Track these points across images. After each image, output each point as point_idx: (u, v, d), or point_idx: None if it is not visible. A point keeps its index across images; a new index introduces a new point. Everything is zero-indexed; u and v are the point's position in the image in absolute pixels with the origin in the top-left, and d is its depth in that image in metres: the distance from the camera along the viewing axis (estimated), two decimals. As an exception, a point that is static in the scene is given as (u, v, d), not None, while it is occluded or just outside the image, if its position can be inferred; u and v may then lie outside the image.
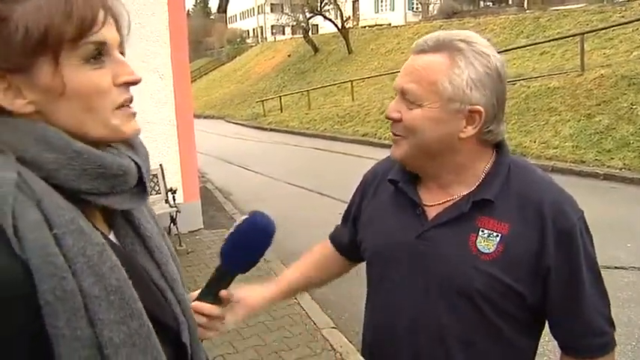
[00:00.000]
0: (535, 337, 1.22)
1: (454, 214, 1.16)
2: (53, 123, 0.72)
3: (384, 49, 24.85)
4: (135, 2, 5.76)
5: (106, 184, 0.74)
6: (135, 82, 0.76)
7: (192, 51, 52.83)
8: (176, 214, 5.88)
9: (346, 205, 1.49)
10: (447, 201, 1.19)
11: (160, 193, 6.04)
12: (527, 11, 22.38)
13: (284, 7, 34.79)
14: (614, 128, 9.53)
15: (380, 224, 1.30)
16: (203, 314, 0.97)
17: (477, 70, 1.09)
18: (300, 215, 6.89)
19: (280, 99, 23.04)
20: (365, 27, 31.57)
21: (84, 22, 0.69)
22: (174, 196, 5.98)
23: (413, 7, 38.43)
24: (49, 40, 0.67)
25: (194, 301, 1.00)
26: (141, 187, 0.80)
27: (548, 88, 11.83)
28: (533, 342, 1.22)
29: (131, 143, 0.81)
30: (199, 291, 1.02)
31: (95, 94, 0.72)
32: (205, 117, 26.28)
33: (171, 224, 5.98)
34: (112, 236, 0.82)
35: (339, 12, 27.69)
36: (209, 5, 77.59)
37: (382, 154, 1.42)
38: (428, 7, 32.93)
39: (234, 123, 23.40)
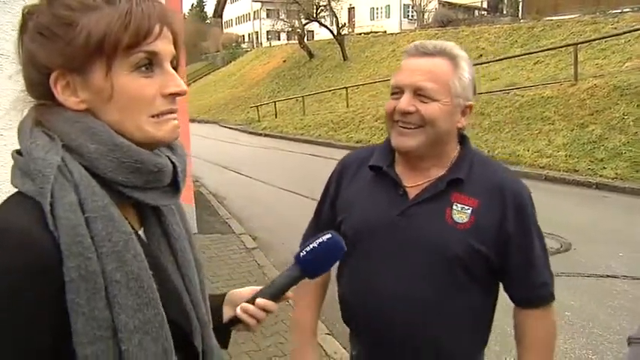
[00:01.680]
0: (493, 296, 1.46)
1: (432, 192, 1.36)
2: (104, 118, 0.78)
3: (379, 56, 24.97)
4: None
5: (141, 179, 0.78)
6: (181, 94, 0.80)
7: (187, 55, 52.88)
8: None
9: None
10: (426, 182, 1.39)
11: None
12: (522, 21, 22.55)
13: (280, 13, 34.89)
14: (606, 138, 9.63)
15: (363, 205, 1.45)
16: (266, 310, 1.02)
17: (472, 73, 1.37)
18: (294, 220, 6.88)
19: (275, 104, 23.08)
20: (360, 34, 31.72)
21: (139, 32, 0.75)
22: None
23: (409, 15, 38.66)
24: (106, 45, 0.74)
25: (256, 297, 1.03)
26: (174, 186, 0.84)
27: (542, 97, 11.93)
28: (492, 301, 1.46)
29: (171, 145, 0.85)
30: (260, 289, 1.05)
31: (138, 100, 0.77)
32: (199, 121, 26.26)
33: (165, 228, 5.98)
34: (141, 232, 0.85)
35: (334, 19, 27.81)
36: (205, 10, 77.83)
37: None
38: (423, 15, 33.16)
39: (228, 128, 23.40)
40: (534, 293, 1.41)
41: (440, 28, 25.11)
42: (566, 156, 9.63)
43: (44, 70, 0.75)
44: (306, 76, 28.36)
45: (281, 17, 33.49)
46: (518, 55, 15.77)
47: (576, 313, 4.14)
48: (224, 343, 1.07)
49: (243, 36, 55.67)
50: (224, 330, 1.04)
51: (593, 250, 5.49)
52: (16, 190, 0.75)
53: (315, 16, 28.98)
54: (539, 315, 1.42)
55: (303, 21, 30.19)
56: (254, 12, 55.35)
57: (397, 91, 1.35)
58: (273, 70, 32.15)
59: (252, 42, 52.93)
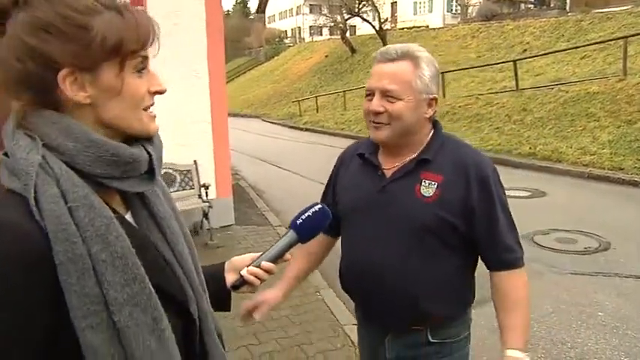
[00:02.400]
0: (469, 261, 1.67)
1: (404, 171, 1.61)
2: (102, 115, 0.87)
3: (421, 51, 24.73)
4: (173, 3, 5.97)
5: (118, 170, 0.87)
6: (162, 92, 0.92)
7: (230, 50, 53.53)
8: (208, 210, 6.06)
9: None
10: (400, 164, 1.63)
11: (193, 189, 6.24)
12: (569, 14, 21.87)
13: (322, 8, 34.87)
14: (655, 136, 9.29)
15: (351, 186, 1.74)
16: (267, 271, 1.16)
17: (432, 70, 1.58)
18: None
19: (316, 99, 23.16)
20: (403, 29, 31.39)
21: (145, 40, 0.88)
22: (207, 192, 6.16)
23: (452, 10, 37.98)
24: (121, 49, 0.85)
25: (258, 260, 1.17)
26: (151, 174, 0.93)
27: (588, 93, 11.60)
28: (469, 265, 1.67)
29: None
30: (261, 254, 1.18)
31: (138, 97, 0.89)
32: (242, 115, 26.65)
33: (204, 219, 6.16)
34: (128, 216, 0.95)
35: (376, 13, 27.63)
36: (248, 5, 78.53)
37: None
38: (467, 9, 32.49)
39: (270, 122, 23.63)
40: (500, 257, 1.61)
41: (483, 23, 24.62)
42: (611, 154, 9.33)
43: (51, 66, 0.81)
44: (348, 71, 28.34)
45: (323, 12, 33.48)
46: (564, 50, 15.32)
47: (610, 313, 4.07)
48: (226, 305, 1.19)
49: (286, 31, 55.94)
50: (226, 293, 1.17)
51: (633, 251, 5.36)
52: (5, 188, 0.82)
53: (357, 10, 28.88)
54: (508, 276, 1.61)
55: (346, 16, 30.09)
56: (297, 7, 55.58)
57: (369, 94, 1.60)
58: (315, 65, 32.24)
59: (295, 37, 53.15)
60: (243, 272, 1.15)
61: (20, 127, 0.85)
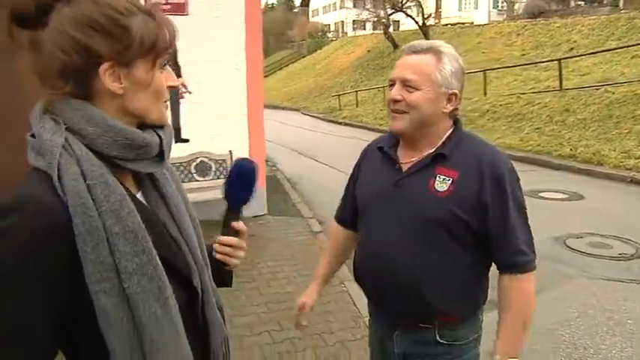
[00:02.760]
0: (482, 261, 1.67)
1: (419, 166, 1.64)
2: (128, 105, 0.97)
3: (463, 48, 24.24)
4: (214, -2, 6.14)
5: (132, 153, 0.98)
6: (175, 87, 1.07)
7: (273, 43, 53.87)
8: (241, 199, 6.21)
9: None
10: (417, 158, 1.66)
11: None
12: (622, 11, 21.08)
13: (366, 3, 34.70)
14: None
15: (370, 179, 1.79)
16: (226, 245, 1.21)
17: (454, 66, 1.61)
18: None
19: (356, 94, 23.15)
20: (447, 25, 30.93)
21: (171, 40, 1.00)
22: (240, 182, 6.31)
23: (498, 6, 37.16)
24: (155, 49, 0.97)
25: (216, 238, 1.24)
26: (161, 157, 1.04)
27: (636, 94, 11.23)
28: (481, 265, 1.68)
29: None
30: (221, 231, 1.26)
31: (161, 91, 1.01)
32: (282, 108, 26.89)
33: (237, 208, 6.33)
34: (139, 195, 1.06)
35: (420, 9, 27.33)
36: (293, -1, 78.85)
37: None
38: (513, 5, 31.69)
39: (309, 115, 23.78)
40: (510, 259, 1.60)
41: (529, 20, 23.98)
42: (657, 158, 9.03)
43: (94, 59, 0.92)
44: (389, 66, 28.11)
45: (367, 7, 33.32)
46: (614, 49, 14.80)
47: (639, 322, 3.99)
48: (227, 281, 1.28)
49: (329, 25, 55.96)
50: (226, 272, 1.25)
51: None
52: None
53: (400, 5, 28.64)
54: (513, 279, 1.60)
55: (389, 11, 29.89)
56: (340, 1, 55.46)
57: (392, 84, 1.65)
58: (357, 60, 32.16)
59: (338, 31, 53.09)
60: (213, 253, 1.22)
61: (46, 112, 0.95)
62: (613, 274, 4.88)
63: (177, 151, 6.27)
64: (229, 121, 6.49)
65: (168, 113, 1.09)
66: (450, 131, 1.67)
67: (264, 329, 3.74)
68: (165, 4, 5.86)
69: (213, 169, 6.38)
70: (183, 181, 6.17)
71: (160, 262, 0.96)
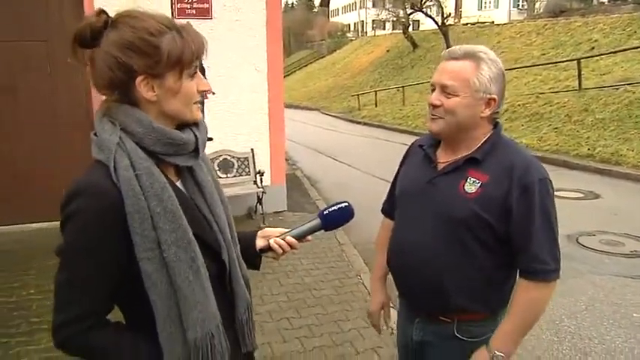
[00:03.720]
0: (507, 265, 1.69)
1: (453, 167, 1.71)
2: (164, 109, 1.20)
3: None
4: (236, 0, 6.37)
5: (172, 149, 1.21)
6: (207, 91, 1.27)
7: (293, 43, 53.94)
8: (262, 195, 6.45)
9: None
10: (452, 159, 1.73)
11: (249, 175, 6.65)
12: (645, 10, 20.79)
13: (385, 2, 34.72)
14: None
15: (408, 174, 1.90)
16: (290, 244, 1.44)
17: (493, 71, 1.64)
18: (379, 206, 7.15)
19: (376, 94, 23.25)
20: (466, 24, 30.83)
21: (199, 55, 1.21)
22: (261, 179, 6.55)
23: (518, 5, 36.84)
24: (181, 62, 1.17)
25: (285, 235, 1.46)
26: (196, 152, 1.28)
27: (656, 94, 11.17)
28: (506, 268, 1.71)
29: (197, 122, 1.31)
30: (288, 231, 1.47)
31: (190, 95, 1.22)
32: (302, 108, 27.11)
33: (257, 204, 6.57)
34: (179, 183, 1.31)
35: (440, 9, 27.30)
36: (313, -2, 79.04)
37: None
38: (534, 4, 31.39)
39: (329, 115, 23.94)
40: (528, 265, 1.62)
41: (550, 19, 23.80)
42: (676, 158, 9.02)
43: (131, 74, 1.15)
44: (408, 66, 28.20)
45: (386, 7, 33.32)
46: (635, 48, 14.69)
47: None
48: (257, 265, 1.51)
49: (349, 25, 56.04)
50: (256, 255, 1.48)
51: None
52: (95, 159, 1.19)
53: (420, 5, 28.64)
54: (528, 286, 1.63)
55: (408, 11, 29.93)
56: (360, 1, 55.53)
57: (433, 88, 1.72)
58: (377, 60, 32.24)
59: (357, 31, 53.15)
60: (271, 241, 1.44)
61: (105, 116, 1.20)
62: (623, 271, 5.00)
63: (200, 149, 6.53)
64: (251, 120, 6.74)
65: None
66: (488, 135, 1.71)
67: (284, 316, 3.96)
68: (190, 9, 6.13)
69: (236, 166, 6.63)
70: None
71: (193, 238, 1.19)
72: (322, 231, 1.48)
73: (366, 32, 49.89)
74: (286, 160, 10.20)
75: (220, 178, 6.58)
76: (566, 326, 3.93)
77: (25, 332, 3.74)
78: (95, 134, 1.19)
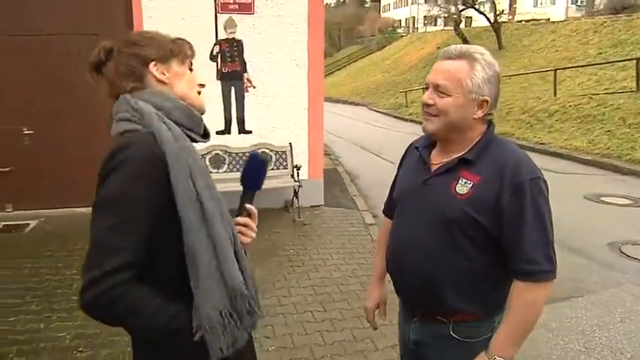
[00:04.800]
0: (492, 259, 1.67)
1: (445, 168, 1.72)
2: (175, 90, 1.44)
3: (537, 46, 23.52)
4: (278, -4, 6.46)
5: (192, 123, 1.44)
6: (202, 86, 1.53)
7: (344, 38, 53.65)
8: (298, 189, 6.53)
9: None
10: (446, 160, 1.74)
11: (286, 169, 6.74)
12: None
13: (437, -1, 34.13)
14: None
15: (404, 176, 1.93)
16: (240, 224, 1.54)
17: (487, 73, 1.65)
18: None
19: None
20: (521, 21, 29.91)
21: (192, 52, 1.53)
22: (298, 172, 6.63)
23: (577, 1, 35.40)
24: (182, 52, 1.49)
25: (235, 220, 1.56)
26: (205, 135, 1.52)
27: None
28: (495, 261, 1.68)
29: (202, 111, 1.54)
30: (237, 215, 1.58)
31: (193, 80, 1.51)
32: (350, 103, 27.07)
33: (294, 197, 6.65)
34: None
35: (492, 5, 26.62)
36: (366, -7, 78.53)
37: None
38: (594, 1, 30.03)
39: (376, 111, 23.82)
40: (519, 266, 1.61)
41: (610, 16, 22.79)
42: None
43: (145, 60, 1.42)
44: (459, 63, 27.62)
45: (438, 3, 32.73)
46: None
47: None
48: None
49: (400, 21, 55.40)
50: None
51: None
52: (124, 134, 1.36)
53: (472, 2, 28.00)
54: (523, 288, 1.61)
55: (460, 7, 29.33)
56: (412, -3, 54.82)
57: (427, 87, 1.72)
58: (427, 56, 31.76)
59: (408, 27, 52.53)
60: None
61: (133, 97, 1.38)
62: (666, 283, 4.79)
63: (240, 142, 6.67)
64: (290, 115, 6.83)
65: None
66: (480, 136, 1.71)
67: (308, 309, 4.03)
68: (233, 4, 6.26)
69: (274, 159, 6.73)
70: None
71: (220, 196, 1.38)
72: (258, 191, 1.56)
73: (417, 28, 49.21)
74: (328, 154, 10.25)
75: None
76: (597, 337, 3.82)
77: (64, 309, 3.98)
78: (127, 120, 1.36)
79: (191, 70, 1.51)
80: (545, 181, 1.64)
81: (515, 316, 1.62)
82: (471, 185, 1.65)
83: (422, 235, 1.72)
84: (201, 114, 1.50)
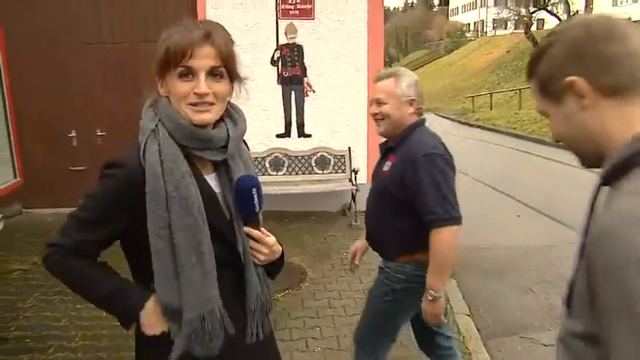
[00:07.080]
0: (408, 217, 2.27)
1: (382, 154, 2.50)
2: (174, 104, 1.31)
3: (615, 48, 22.27)
4: (338, 2, 6.51)
5: (199, 144, 1.34)
6: (200, 94, 1.30)
7: (410, 42, 53.18)
8: (356, 193, 6.54)
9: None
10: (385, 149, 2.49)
11: (344, 172, 6.77)
12: None
13: (507, 1, 33.14)
14: None
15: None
16: (252, 237, 1.46)
17: (408, 81, 2.37)
18: (479, 211, 6.91)
19: (491, 96, 22.37)
20: (599, 23, 28.32)
21: (176, 56, 1.27)
22: (356, 176, 6.64)
23: (663, -1, 33.21)
24: (163, 65, 1.30)
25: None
26: (225, 148, 1.37)
27: None
28: (409, 220, 2.28)
29: (235, 119, 1.42)
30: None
31: (179, 95, 1.30)
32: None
33: (351, 201, 6.66)
34: (212, 176, 1.42)
35: (566, 6, 25.50)
36: (433, -3, 77.50)
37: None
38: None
39: (442, 116, 23.41)
40: (425, 218, 2.21)
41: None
42: None
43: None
44: (529, 67, 26.69)
45: (508, 5, 31.78)
46: None
47: None
48: (272, 275, 1.57)
49: (468, 24, 54.26)
50: (268, 266, 1.53)
51: None
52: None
53: (544, 3, 26.95)
54: (432, 233, 2.19)
55: (532, 9, 28.29)
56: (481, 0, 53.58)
57: (371, 103, 2.43)
58: (495, 61, 30.97)
59: (477, 31, 51.34)
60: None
61: (151, 106, 1.37)
62: None
63: (299, 145, 6.78)
64: (349, 119, 6.86)
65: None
66: (406, 129, 2.37)
67: (357, 312, 3.97)
68: (294, 10, 6.39)
69: (332, 163, 6.79)
70: (303, 174, 6.58)
71: (205, 226, 1.31)
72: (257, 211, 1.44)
73: (486, 32, 47.94)
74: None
75: (317, 174, 6.79)
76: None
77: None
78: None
79: (189, 74, 1.29)
80: (441, 156, 2.22)
81: (433, 256, 2.20)
82: (390, 165, 2.36)
83: (371, 203, 2.50)
84: (205, 127, 1.33)
